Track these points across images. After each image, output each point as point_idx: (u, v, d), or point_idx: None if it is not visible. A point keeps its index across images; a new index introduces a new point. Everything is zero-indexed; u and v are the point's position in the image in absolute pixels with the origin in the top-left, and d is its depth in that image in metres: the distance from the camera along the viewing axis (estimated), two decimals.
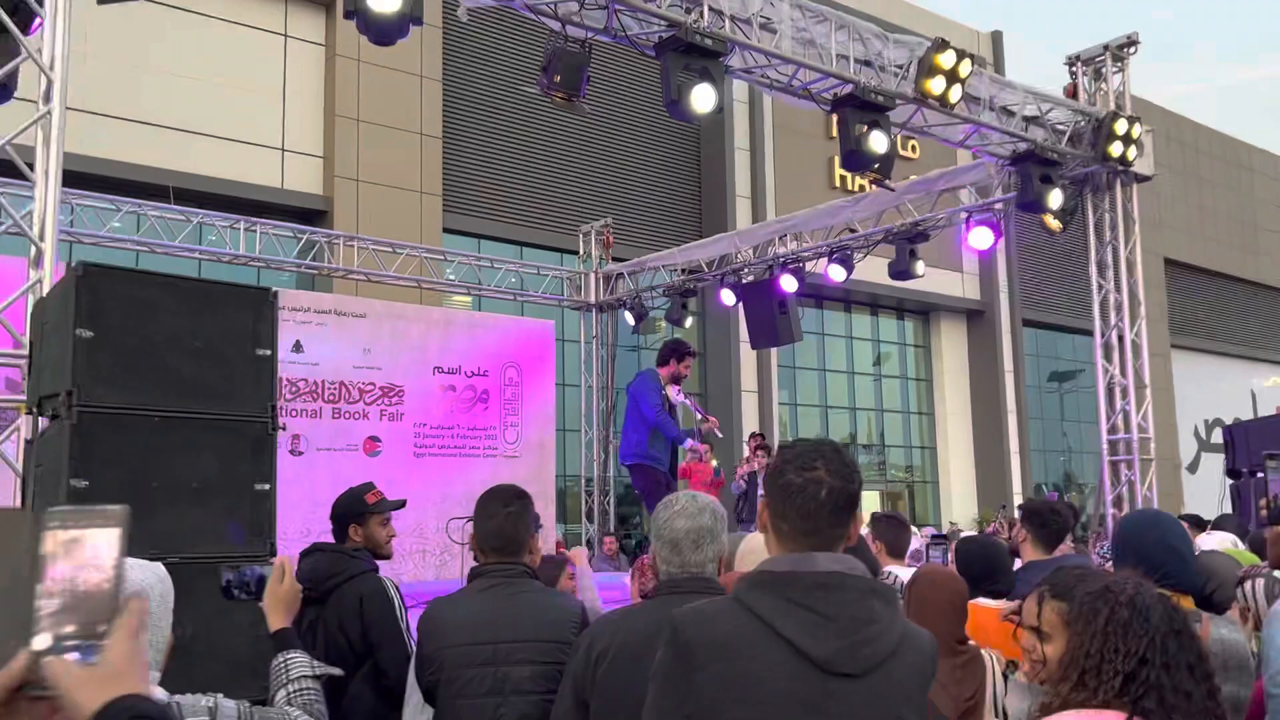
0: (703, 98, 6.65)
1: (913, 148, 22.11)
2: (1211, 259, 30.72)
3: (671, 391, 8.65)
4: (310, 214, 17.08)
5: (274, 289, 3.74)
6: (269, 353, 3.68)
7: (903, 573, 5.37)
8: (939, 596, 3.77)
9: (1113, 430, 9.09)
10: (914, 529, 10.81)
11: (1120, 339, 9.20)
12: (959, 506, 24.57)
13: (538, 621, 3.31)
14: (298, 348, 11.63)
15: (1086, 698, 2.10)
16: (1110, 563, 4.48)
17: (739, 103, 21.73)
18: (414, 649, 3.48)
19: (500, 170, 19.32)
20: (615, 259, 13.91)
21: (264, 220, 12.35)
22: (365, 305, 12.62)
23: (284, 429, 3.68)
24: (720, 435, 9.94)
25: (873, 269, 13.50)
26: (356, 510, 4.35)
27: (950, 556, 5.28)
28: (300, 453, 11.64)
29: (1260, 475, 8.03)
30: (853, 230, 11.23)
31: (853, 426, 24.89)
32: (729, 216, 21.02)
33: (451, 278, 14.36)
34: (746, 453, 12.59)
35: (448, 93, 18.68)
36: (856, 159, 7.36)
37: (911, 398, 26.12)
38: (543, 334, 13.56)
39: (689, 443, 8.54)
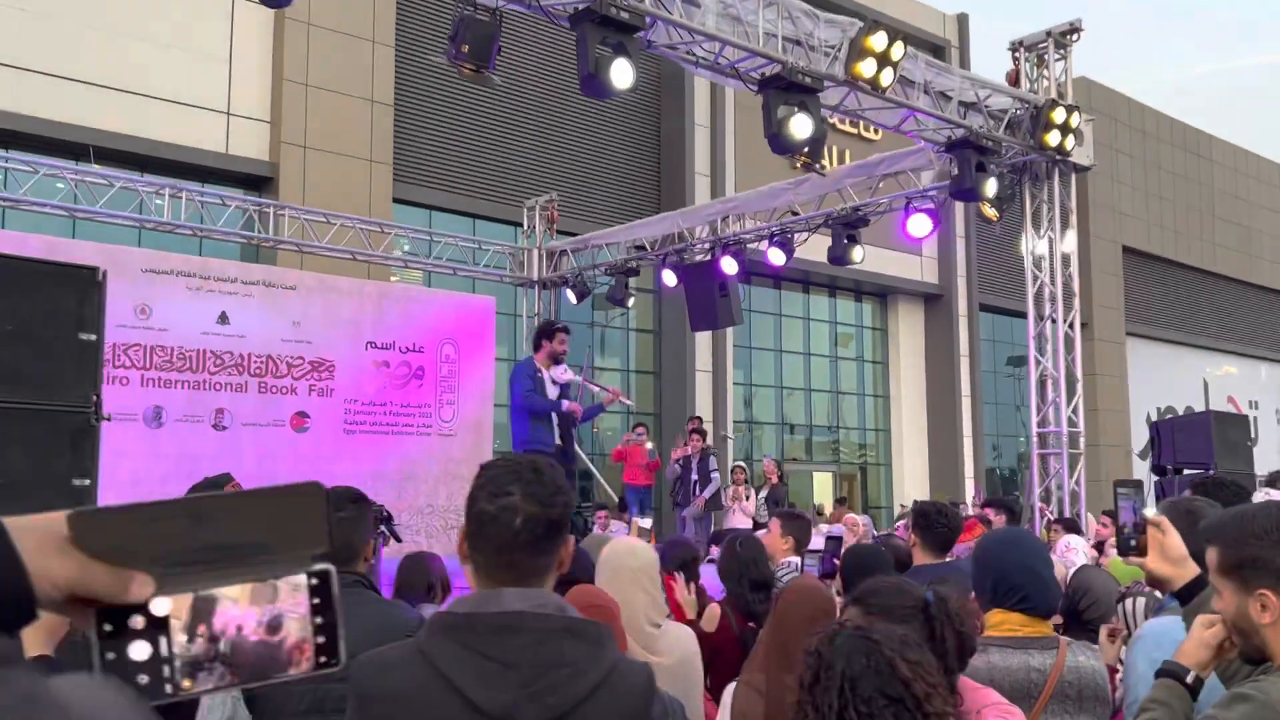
0: (620, 73, 6.41)
1: (875, 130, 21.94)
2: (1169, 248, 30.80)
3: (557, 373, 8.35)
4: (256, 180, 16.67)
5: (101, 268, 3.49)
6: (94, 337, 3.43)
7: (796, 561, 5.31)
8: (800, 613, 3.60)
9: (1043, 423, 8.98)
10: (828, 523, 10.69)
11: (1054, 331, 9.07)
12: (911, 489, 24.58)
13: (370, 633, 3.13)
14: (223, 319, 11.34)
15: None
16: None
17: (699, 79, 21.45)
18: None
19: (453, 140, 18.94)
20: (568, 233, 13.65)
21: (206, 190, 12.01)
22: (295, 277, 12.31)
23: (109, 419, 3.44)
24: (628, 402, 9.74)
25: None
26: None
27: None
28: (225, 428, 11.36)
29: (1184, 474, 7.96)
30: (795, 213, 11.04)
31: (808, 407, 24.82)
32: (688, 194, 20.76)
33: (398, 251, 14.08)
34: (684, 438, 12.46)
35: (400, 58, 18.26)
36: (780, 143, 7.15)
37: (868, 380, 26.07)
38: (483, 310, 13.31)
39: (565, 405, 8.23)
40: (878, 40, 7.39)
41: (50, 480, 3.29)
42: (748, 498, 11.72)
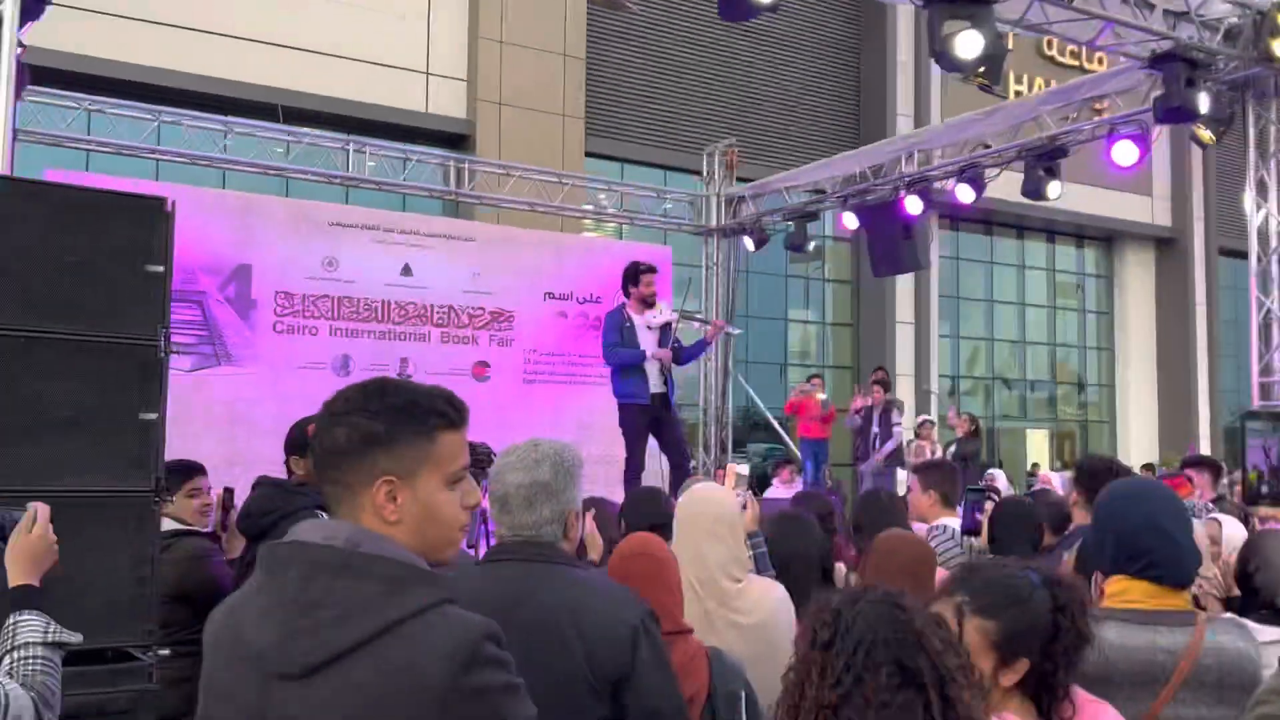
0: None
1: (1099, 60, 20.21)
2: None
3: (649, 316, 7.89)
4: (454, 138, 17.02)
5: (170, 199, 3.42)
6: (161, 269, 3.37)
7: (956, 525, 4.72)
8: (892, 565, 3.20)
9: (1265, 371, 7.95)
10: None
11: None
12: (1138, 449, 22.85)
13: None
14: (406, 271, 11.57)
15: None
16: None
17: (903, 15, 20.34)
18: None
19: (642, 90, 18.76)
20: (746, 180, 13.20)
21: (389, 145, 12.26)
22: (475, 229, 12.45)
23: (178, 352, 3.38)
24: (735, 332, 9.16)
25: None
26: (299, 441, 4.06)
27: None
28: (409, 376, 11.63)
29: None
30: (986, 146, 10.19)
31: (1022, 361, 23.41)
32: (890, 135, 19.78)
33: (587, 205, 14.03)
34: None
35: (591, 10, 18.16)
36: (947, 61, 6.49)
37: (1090, 331, 24.34)
38: (660, 259, 13.06)
39: (650, 352, 7.76)
40: None
41: (117, 413, 3.27)
42: (933, 454, 11.04)
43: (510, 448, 2.54)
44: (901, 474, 10.81)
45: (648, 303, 7.99)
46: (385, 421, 1.64)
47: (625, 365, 7.86)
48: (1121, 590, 2.50)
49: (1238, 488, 5.13)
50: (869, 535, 3.83)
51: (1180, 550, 2.47)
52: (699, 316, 8.64)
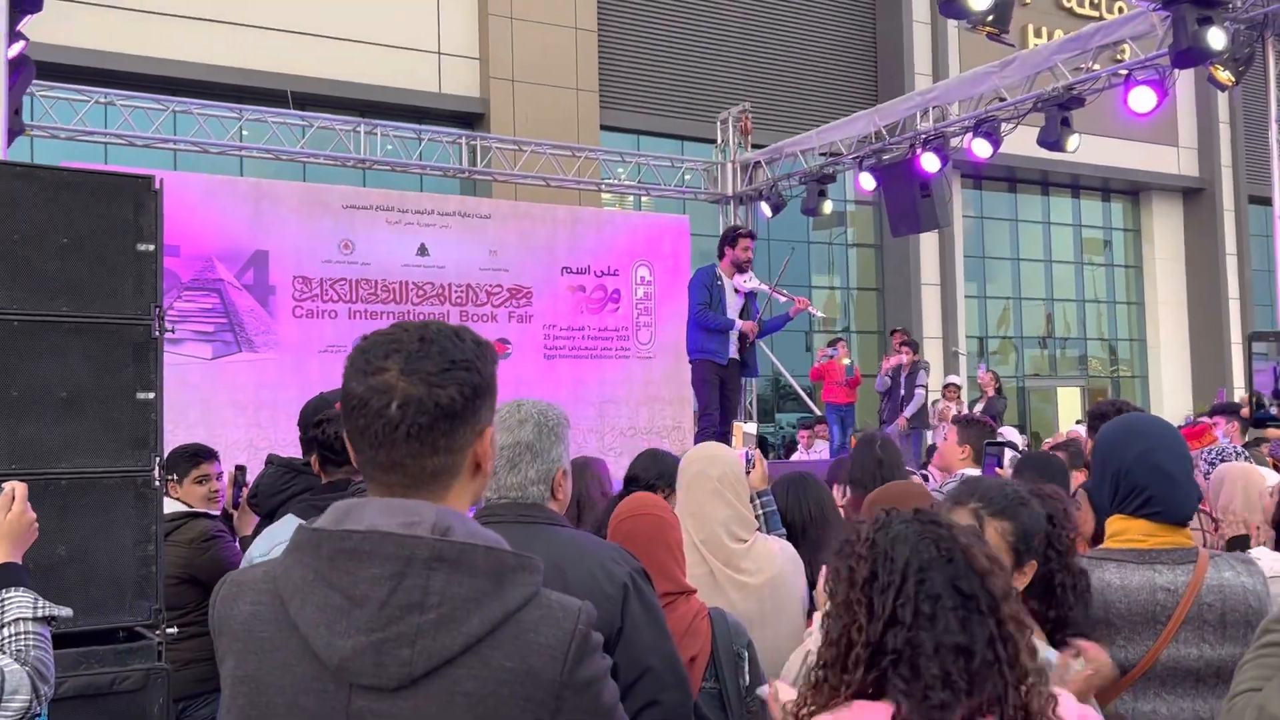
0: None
1: (1119, 9, 19.84)
2: None
3: (739, 281, 8.03)
4: (469, 117, 16.99)
5: (158, 176, 3.42)
6: (152, 248, 3.37)
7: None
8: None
9: None
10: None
11: None
12: (1172, 402, 22.58)
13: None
14: (423, 251, 11.57)
15: (829, 700, 1.56)
16: None
17: None
18: None
19: (655, 60, 18.61)
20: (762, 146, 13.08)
21: (402, 126, 12.24)
22: (490, 206, 12.43)
23: (172, 331, 3.38)
24: (816, 313, 9.21)
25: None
26: (312, 418, 4.05)
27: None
28: None
29: None
30: (1001, 99, 10.03)
31: (1050, 319, 23.16)
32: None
33: (606, 177, 13.99)
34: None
35: None
36: (955, 8, 6.38)
37: (1119, 286, 24.01)
38: (676, 230, 13.00)
39: (738, 324, 7.93)
40: None
41: (114, 394, 3.28)
42: (958, 412, 10.93)
43: (499, 405, 2.52)
44: (929, 436, 10.73)
45: (741, 267, 8.10)
46: (483, 366, 1.49)
47: (709, 329, 7.86)
48: (1120, 530, 2.45)
49: (1244, 409, 5.04)
50: (865, 486, 3.79)
51: (1177, 486, 2.41)
52: (785, 295, 8.75)
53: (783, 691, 1.95)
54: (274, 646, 1.41)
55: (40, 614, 2.22)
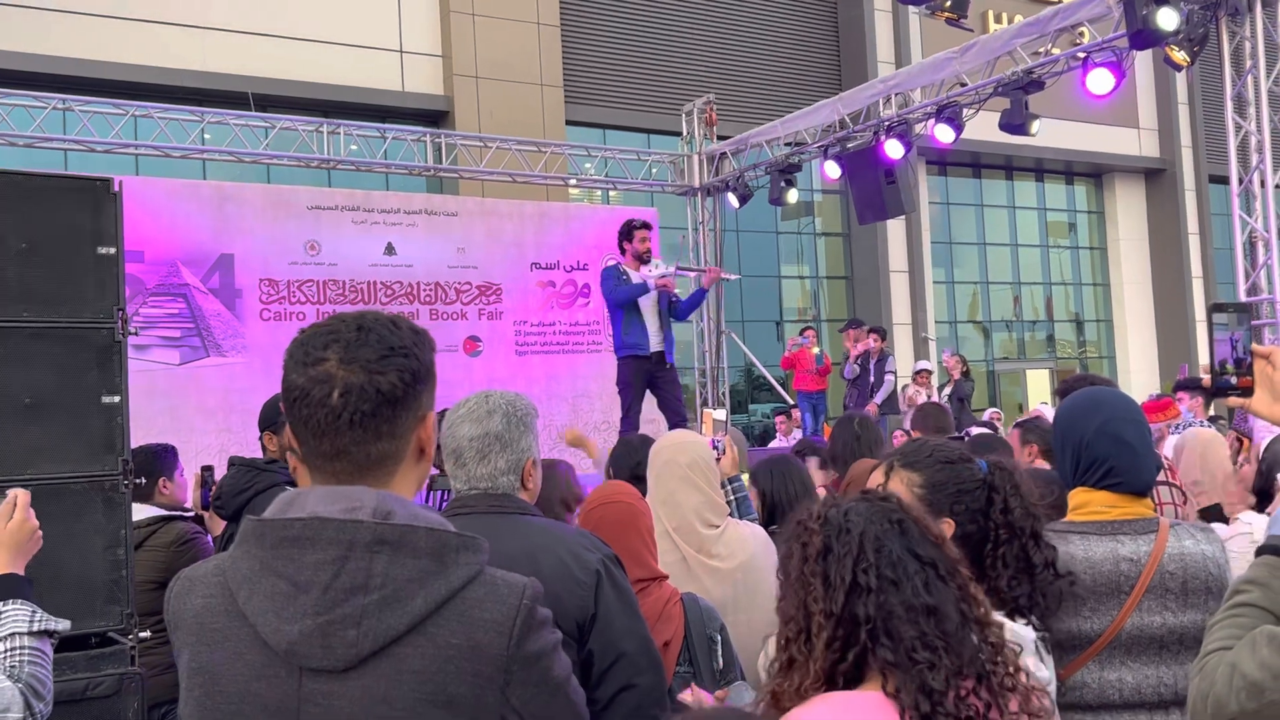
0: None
1: None
2: None
3: (643, 273, 7.98)
4: (433, 115, 16.90)
5: (117, 179, 3.39)
6: (113, 250, 3.35)
7: None
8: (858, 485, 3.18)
9: (1252, 291, 7.90)
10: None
11: (1263, 185, 7.93)
12: (1139, 381, 22.85)
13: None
14: (390, 250, 11.54)
15: (802, 681, 1.56)
16: None
17: None
18: None
19: (620, 54, 18.60)
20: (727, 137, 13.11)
21: (365, 125, 12.17)
22: (456, 203, 12.40)
23: (135, 334, 3.37)
24: (731, 276, 9.22)
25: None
26: (270, 417, 4.06)
27: None
28: None
29: None
30: (962, 84, 10.10)
31: (1017, 302, 23.36)
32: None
33: (573, 172, 13.96)
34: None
35: None
36: None
37: (1084, 268, 24.25)
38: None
39: (652, 283, 7.81)
40: None
41: (79, 398, 3.26)
42: (928, 397, 11.03)
43: (461, 401, 2.53)
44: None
45: (643, 259, 8.08)
46: (421, 353, 1.51)
47: (625, 302, 7.90)
48: (1083, 503, 2.49)
49: (1204, 379, 5.10)
50: (844, 462, 3.82)
51: (1137, 456, 2.45)
52: (694, 269, 8.69)
53: (696, 692, 2.03)
54: (225, 637, 1.43)
55: (37, 628, 2.16)
